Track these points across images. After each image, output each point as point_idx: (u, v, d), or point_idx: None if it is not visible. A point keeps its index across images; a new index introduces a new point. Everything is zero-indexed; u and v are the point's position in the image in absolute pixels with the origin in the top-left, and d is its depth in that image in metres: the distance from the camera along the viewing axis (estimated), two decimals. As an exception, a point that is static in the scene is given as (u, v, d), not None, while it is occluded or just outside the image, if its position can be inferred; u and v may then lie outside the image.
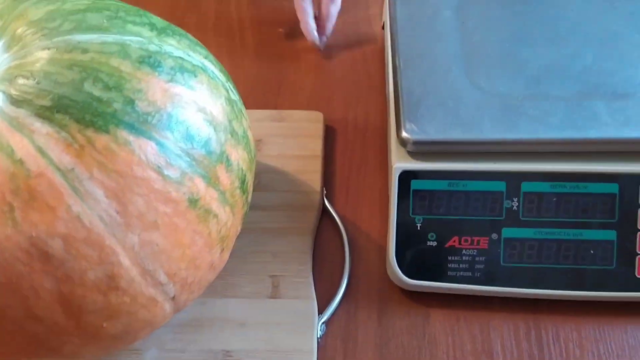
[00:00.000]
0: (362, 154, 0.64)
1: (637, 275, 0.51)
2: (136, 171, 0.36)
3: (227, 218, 0.43)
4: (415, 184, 0.53)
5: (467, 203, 0.52)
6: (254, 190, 0.56)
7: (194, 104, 0.40)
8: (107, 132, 0.36)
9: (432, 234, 0.53)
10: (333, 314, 0.53)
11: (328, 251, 0.58)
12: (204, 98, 0.41)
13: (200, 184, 0.39)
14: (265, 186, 0.60)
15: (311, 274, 0.55)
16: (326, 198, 0.60)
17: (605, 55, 0.56)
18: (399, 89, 0.55)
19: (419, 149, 0.53)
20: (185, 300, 0.43)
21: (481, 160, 0.53)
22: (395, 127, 0.54)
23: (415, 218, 0.53)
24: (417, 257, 0.53)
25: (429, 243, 0.53)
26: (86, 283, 0.36)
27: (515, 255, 0.52)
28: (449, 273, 0.52)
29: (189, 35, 0.45)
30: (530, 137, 0.52)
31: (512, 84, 0.55)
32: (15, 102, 0.36)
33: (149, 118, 0.37)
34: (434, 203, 0.53)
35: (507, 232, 0.52)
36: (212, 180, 0.40)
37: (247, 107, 0.57)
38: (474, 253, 0.52)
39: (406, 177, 0.53)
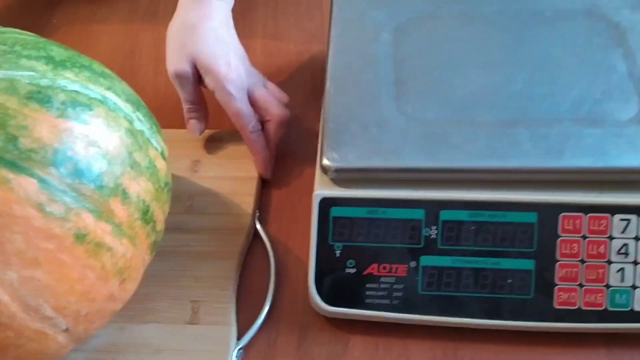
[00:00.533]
0: (299, 178, 0.64)
1: (555, 305, 0.51)
2: (15, 210, 0.36)
3: (126, 250, 0.43)
4: (334, 211, 0.53)
5: (386, 231, 0.52)
6: (185, 213, 0.57)
7: (85, 139, 0.40)
8: (-16, 171, 0.36)
9: (351, 261, 0.53)
10: (253, 340, 0.53)
11: (256, 275, 0.58)
12: (98, 132, 0.41)
13: (88, 219, 0.40)
14: (198, 208, 0.60)
15: (233, 299, 0.55)
16: (259, 221, 0.60)
17: (537, 81, 0.56)
18: (326, 115, 0.55)
19: (340, 176, 0.53)
20: (85, 330, 0.44)
21: (400, 188, 0.52)
22: (319, 154, 0.54)
23: (334, 245, 0.53)
24: (336, 284, 0.53)
25: (347, 270, 0.53)
26: None
27: (434, 283, 0.52)
28: (367, 300, 0.52)
29: (95, 66, 0.45)
30: (448, 165, 0.52)
31: (439, 110, 0.55)
32: None
33: (33, 155, 0.38)
34: (354, 230, 0.53)
35: (426, 260, 0.52)
36: (104, 214, 0.41)
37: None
38: (392, 281, 0.52)
39: (326, 204, 0.53)
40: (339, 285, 0.53)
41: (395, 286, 0.52)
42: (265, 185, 0.64)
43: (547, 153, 0.51)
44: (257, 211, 0.61)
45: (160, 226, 0.48)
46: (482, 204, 0.52)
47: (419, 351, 0.53)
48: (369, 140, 0.53)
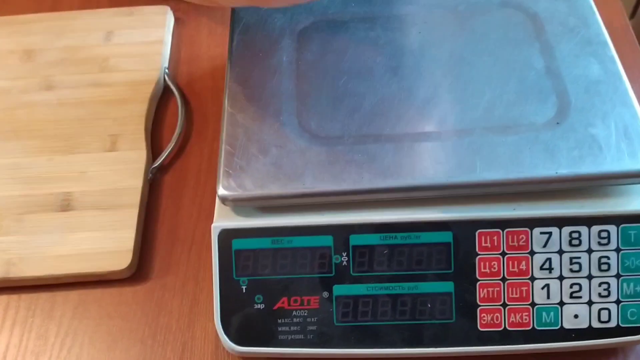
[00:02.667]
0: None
1: (479, 327, 0.48)
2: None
3: None
4: (236, 244, 0.49)
5: (294, 261, 0.48)
6: (101, 72, 0.67)
7: None
8: None
9: (259, 296, 0.49)
10: None
11: (168, 115, 0.66)
12: None
13: None
14: (113, 67, 0.67)
15: (148, 132, 0.63)
16: (167, 75, 0.67)
17: (447, 86, 0.52)
18: (223, 136, 0.51)
19: (238, 206, 0.49)
20: None
21: (305, 214, 0.48)
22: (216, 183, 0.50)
23: (239, 280, 0.49)
24: (244, 322, 0.49)
25: (256, 306, 0.49)
26: None
27: (349, 313, 0.48)
28: (280, 337, 0.49)
29: None
30: (354, 187, 0.47)
31: (344, 125, 0.50)
32: None
33: None
34: (259, 263, 0.49)
35: (339, 290, 0.48)
36: None
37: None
38: (305, 314, 0.49)
39: (226, 236, 0.49)
40: (248, 322, 0.49)
41: (308, 319, 0.49)
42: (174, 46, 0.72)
43: (458, 167, 0.47)
44: (166, 67, 0.68)
45: None
46: (393, 225, 0.48)
47: (339, 386, 0.49)
48: (268, 164, 0.49)
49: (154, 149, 0.62)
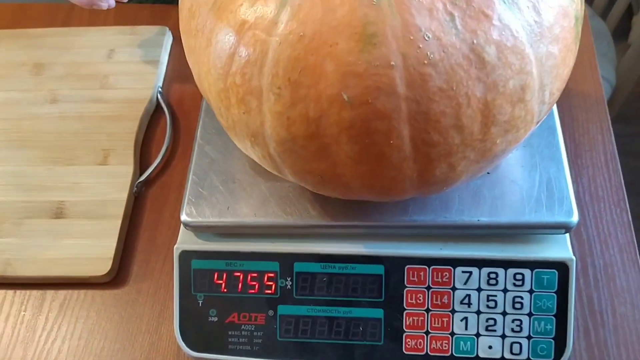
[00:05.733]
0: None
1: (404, 351, 0.54)
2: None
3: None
4: (195, 264, 0.55)
5: (245, 282, 0.55)
6: (101, 88, 0.74)
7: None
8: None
9: (213, 310, 0.55)
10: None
11: (158, 132, 0.73)
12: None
13: (578, 4, 0.44)
14: (111, 85, 0.74)
15: (137, 149, 0.70)
16: (160, 94, 0.74)
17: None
18: (192, 165, 0.57)
19: (198, 231, 0.55)
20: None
21: (256, 241, 0.55)
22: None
23: (197, 295, 0.56)
24: (200, 332, 0.56)
25: (210, 319, 0.56)
26: (506, 92, 0.39)
27: (291, 330, 0.55)
28: (230, 347, 0.55)
29: None
30: (300, 221, 0.53)
31: (299, 160, 0.56)
32: None
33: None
34: (214, 281, 0.55)
35: (283, 309, 0.55)
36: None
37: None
38: (252, 328, 0.55)
39: (186, 256, 0.55)
40: (203, 332, 0.56)
41: (255, 333, 0.55)
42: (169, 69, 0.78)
43: (393, 209, 0.53)
44: (160, 86, 0.74)
45: None
46: (333, 256, 0.54)
47: (280, 392, 0.56)
48: (227, 195, 0.55)
49: (142, 163, 0.69)
